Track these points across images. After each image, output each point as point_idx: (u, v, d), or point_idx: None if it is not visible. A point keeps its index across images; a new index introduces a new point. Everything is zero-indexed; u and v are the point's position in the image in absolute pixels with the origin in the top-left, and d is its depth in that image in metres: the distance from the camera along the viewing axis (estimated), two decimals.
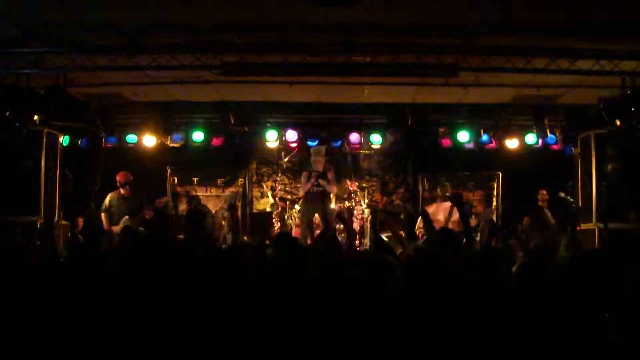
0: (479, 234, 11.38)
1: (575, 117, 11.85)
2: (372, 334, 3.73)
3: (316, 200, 11.24)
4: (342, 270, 4.70)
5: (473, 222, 11.97)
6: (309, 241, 10.64)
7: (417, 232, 10.96)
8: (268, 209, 13.51)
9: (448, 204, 11.30)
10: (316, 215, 11.39)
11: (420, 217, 11.70)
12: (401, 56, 8.89)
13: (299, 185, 13.16)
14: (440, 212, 11.49)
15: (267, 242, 11.80)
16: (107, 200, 10.77)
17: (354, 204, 12.80)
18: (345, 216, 10.85)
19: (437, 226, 11.24)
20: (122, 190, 10.75)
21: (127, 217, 10.57)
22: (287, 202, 13.38)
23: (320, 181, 11.14)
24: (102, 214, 10.74)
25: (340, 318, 3.84)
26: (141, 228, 10.47)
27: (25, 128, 9.88)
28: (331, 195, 11.74)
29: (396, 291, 4.27)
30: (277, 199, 13.34)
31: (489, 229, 12.26)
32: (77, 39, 8.52)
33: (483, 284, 4.35)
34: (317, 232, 11.13)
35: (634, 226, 10.09)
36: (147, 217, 10.71)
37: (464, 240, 6.70)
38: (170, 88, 10.48)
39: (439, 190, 11.68)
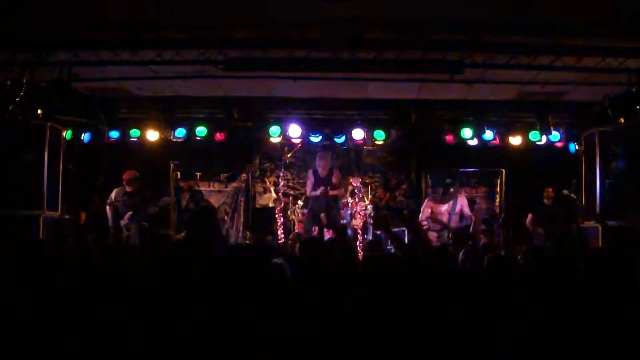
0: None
1: (580, 114, 11.83)
2: None
3: (321, 202, 11.37)
4: None
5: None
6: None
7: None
8: (271, 205, 13.50)
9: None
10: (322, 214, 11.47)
11: (422, 211, 11.74)
12: (406, 52, 8.85)
13: (302, 180, 13.21)
14: (444, 205, 11.53)
15: (269, 237, 11.94)
16: (112, 195, 10.87)
17: (357, 200, 12.78)
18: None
19: (443, 219, 11.36)
20: (127, 187, 10.83)
21: (130, 212, 10.61)
22: (290, 198, 13.39)
23: (328, 189, 11.31)
24: (107, 207, 10.79)
25: None
26: (144, 223, 10.53)
27: (28, 122, 9.89)
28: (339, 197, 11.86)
29: None
30: (280, 194, 13.33)
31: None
32: (82, 33, 8.49)
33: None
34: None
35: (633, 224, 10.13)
36: (151, 212, 10.77)
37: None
38: (174, 83, 10.46)
39: (444, 188, 11.75)
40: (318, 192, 11.53)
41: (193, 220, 5.68)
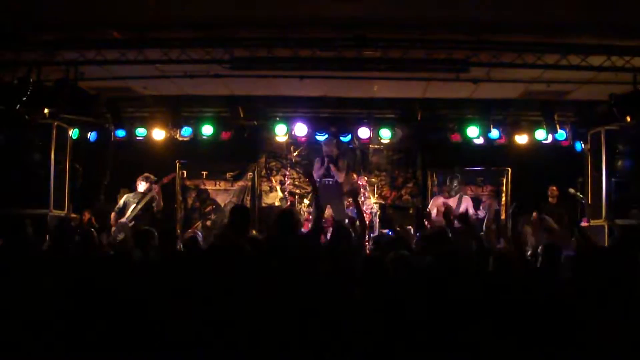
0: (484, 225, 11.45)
1: (586, 113, 11.81)
2: None
3: (328, 192, 11.26)
4: None
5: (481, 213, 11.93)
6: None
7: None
8: (277, 203, 13.50)
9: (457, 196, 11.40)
10: (327, 211, 11.42)
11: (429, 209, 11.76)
12: (412, 51, 8.85)
13: (307, 179, 13.19)
14: (450, 203, 11.53)
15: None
16: (121, 202, 10.76)
17: (362, 198, 12.77)
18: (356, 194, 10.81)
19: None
20: (140, 188, 10.78)
21: (134, 205, 10.61)
22: (296, 197, 13.39)
23: (332, 167, 11.24)
24: (113, 213, 10.73)
25: None
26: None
27: (35, 121, 9.92)
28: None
29: None
30: (286, 193, 13.35)
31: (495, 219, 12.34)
32: (88, 32, 8.52)
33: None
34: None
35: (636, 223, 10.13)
36: (155, 193, 10.71)
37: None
38: (180, 82, 10.47)
39: (448, 182, 11.78)
40: (322, 169, 11.50)
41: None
